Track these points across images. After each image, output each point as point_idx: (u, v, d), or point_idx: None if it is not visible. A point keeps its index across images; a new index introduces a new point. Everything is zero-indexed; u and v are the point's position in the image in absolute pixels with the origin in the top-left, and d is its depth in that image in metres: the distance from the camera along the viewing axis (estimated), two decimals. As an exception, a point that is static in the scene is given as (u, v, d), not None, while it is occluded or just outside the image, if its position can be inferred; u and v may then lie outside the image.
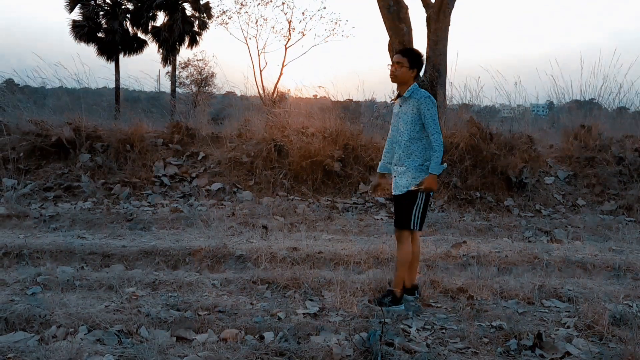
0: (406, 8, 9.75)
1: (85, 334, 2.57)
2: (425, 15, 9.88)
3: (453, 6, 9.72)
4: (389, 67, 3.14)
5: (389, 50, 10.00)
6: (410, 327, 2.84)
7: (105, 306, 2.93)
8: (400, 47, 9.73)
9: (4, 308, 2.76)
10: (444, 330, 2.81)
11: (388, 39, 9.95)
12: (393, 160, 3.21)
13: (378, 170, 3.43)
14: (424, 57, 3.22)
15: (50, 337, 2.53)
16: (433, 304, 3.21)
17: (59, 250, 3.97)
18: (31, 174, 5.93)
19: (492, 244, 4.75)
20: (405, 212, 3.09)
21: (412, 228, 3.10)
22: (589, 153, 6.96)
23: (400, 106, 3.16)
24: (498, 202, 6.19)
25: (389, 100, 10.41)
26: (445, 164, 3.13)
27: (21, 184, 5.76)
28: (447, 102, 9.34)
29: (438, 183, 3.15)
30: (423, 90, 3.11)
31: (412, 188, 3.06)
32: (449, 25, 9.82)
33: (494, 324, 2.85)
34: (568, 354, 2.54)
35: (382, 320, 2.77)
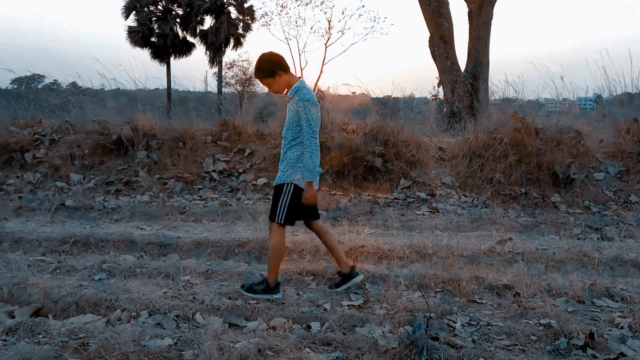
0: (447, 3, 9.59)
1: (146, 318, 2.76)
2: (466, 9, 9.68)
3: (496, 0, 9.46)
4: None
5: (430, 46, 9.88)
6: (455, 322, 2.83)
7: (164, 293, 3.13)
8: (441, 42, 9.59)
9: (74, 292, 3.01)
10: (489, 327, 2.79)
11: (429, 34, 9.82)
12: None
13: None
14: (271, 55, 3.11)
15: (116, 320, 2.72)
16: (478, 300, 3.19)
17: (121, 240, 4.26)
18: (95, 170, 6.35)
19: (539, 241, 4.63)
20: (274, 204, 3.14)
21: (276, 220, 3.11)
22: (643, 148, 6.61)
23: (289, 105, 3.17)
24: (544, 199, 6.01)
25: (428, 97, 10.31)
26: (321, 169, 3.09)
27: (86, 178, 6.19)
28: (490, 97, 9.12)
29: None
30: (306, 90, 3.05)
31: (304, 201, 3.04)
32: (491, 19, 9.58)
33: (542, 321, 2.81)
34: (622, 355, 2.46)
35: (427, 314, 2.80)
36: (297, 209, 3.12)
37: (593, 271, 3.76)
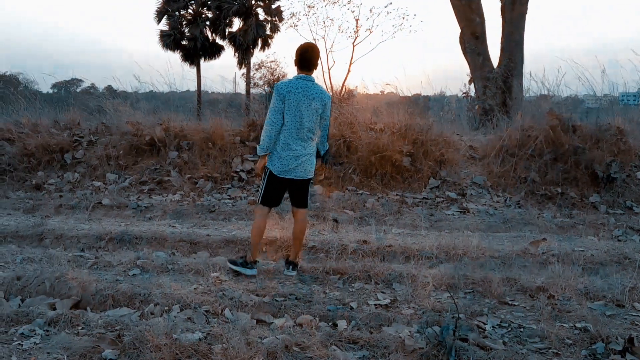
0: (478, -3, 9.34)
1: (177, 312, 2.84)
2: (499, 3, 9.40)
3: (530, -8, 9.14)
4: None
5: (460, 42, 9.66)
6: (485, 324, 2.78)
7: (194, 288, 3.21)
8: (472, 38, 9.37)
9: (111, 286, 3.14)
10: (521, 329, 2.72)
11: (459, 30, 9.61)
12: None
13: None
14: (300, 50, 3.35)
15: (149, 314, 2.82)
16: (509, 302, 3.10)
17: (154, 237, 4.40)
18: (129, 169, 6.59)
19: (576, 242, 4.45)
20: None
21: (256, 201, 3.51)
22: (691, 145, 6.23)
23: None
24: (582, 199, 5.77)
25: (459, 94, 10.09)
26: (261, 149, 3.33)
27: (121, 178, 6.43)
28: (524, 94, 8.84)
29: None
30: (285, 81, 3.32)
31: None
32: (525, 13, 9.27)
33: (578, 325, 2.71)
34: (665, 361, 2.36)
35: (456, 315, 2.74)
36: (274, 192, 3.40)
37: (634, 274, 3.58)
